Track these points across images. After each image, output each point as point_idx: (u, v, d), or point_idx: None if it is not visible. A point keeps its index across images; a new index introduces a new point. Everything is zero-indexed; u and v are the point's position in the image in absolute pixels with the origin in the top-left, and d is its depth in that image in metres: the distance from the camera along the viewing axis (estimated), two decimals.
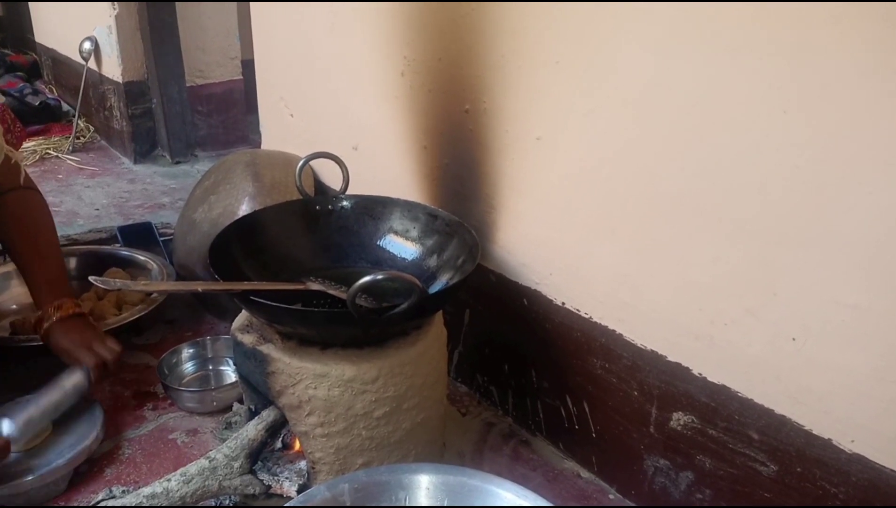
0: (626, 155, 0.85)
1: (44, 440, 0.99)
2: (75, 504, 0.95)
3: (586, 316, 0.96)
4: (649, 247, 0.85)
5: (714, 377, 0.82)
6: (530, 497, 0.79)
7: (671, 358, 0.86)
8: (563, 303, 0.99)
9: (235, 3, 2.41)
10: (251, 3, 1.58)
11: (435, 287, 0.97)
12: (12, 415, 0.96)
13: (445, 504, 0.81)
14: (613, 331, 0.93)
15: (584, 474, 1.03)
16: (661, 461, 0.91)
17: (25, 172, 1.20)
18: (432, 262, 1.02)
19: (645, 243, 0.86)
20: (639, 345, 0.90)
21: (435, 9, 1.06)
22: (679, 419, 0.87)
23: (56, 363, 1.09)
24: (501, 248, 1.07)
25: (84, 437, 1.00)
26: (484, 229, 1.08)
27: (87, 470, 1.01)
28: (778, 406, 0.77)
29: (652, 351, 0.89)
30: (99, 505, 0.87)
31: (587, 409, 1.00)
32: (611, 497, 0.99)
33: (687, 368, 0.85)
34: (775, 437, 0.77)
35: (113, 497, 0.89)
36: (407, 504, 0.81)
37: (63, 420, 1.03)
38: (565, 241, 0.96)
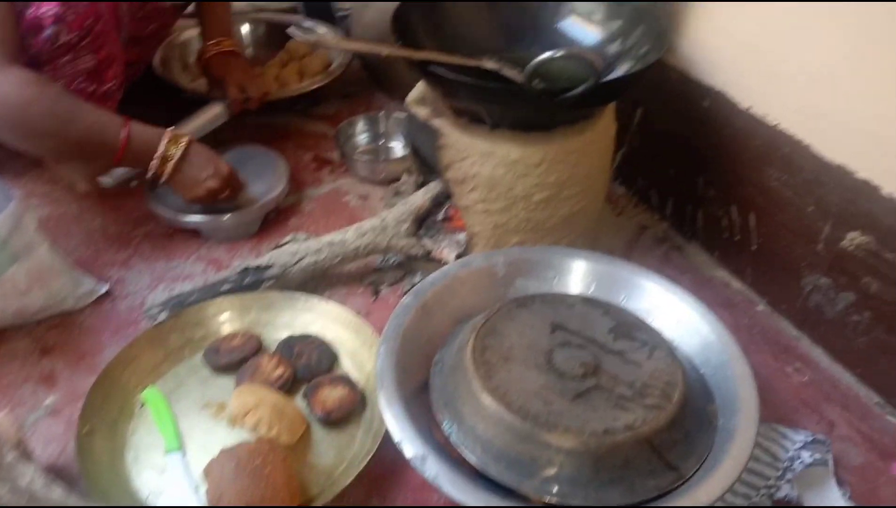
0: None
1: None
2: (265, 244, 1.10)
3: (773, 123, 0.90)
4: (870, 46, 0.75)
5: None
6: (678, 293, 0.81)
7: (860, 175, 0.80)
8: (749, 108, 0.92)
9: None
10: None
11: (612, 76, 0.93)
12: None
13: (593, 289, 0.85)
14: (800, 141, 0.86)
15: (735, 284, 1.03)
16: (822, 279, 0.88)
17: None
18: (613, 49, 0.97)
19: (865, 40, 0.76)
20: (826, 159, 0.84)
21: None
22: (854, 238, 0.82)
23: (249, 118, 1.23)
24: (689, 41, 0.99)
25: (273, 188, 1.12)
26: (673, 17, 1.00)
27: (275, 218, 1.15)
28: None
29: (839, 166, 0.82)
30: (286, 243, 1.01)
31: (752, 221, 0.96)
32: (759, 308, 0.99)
33: (876, 186, 0.79)
34: None
35: (297, 241, 1.01)
36: (556, 283, 0.86)
37: (256, 171, 1.15)
38: (764, 37, 0.87)
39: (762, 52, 0.89)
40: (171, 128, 1.01)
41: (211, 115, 1.17)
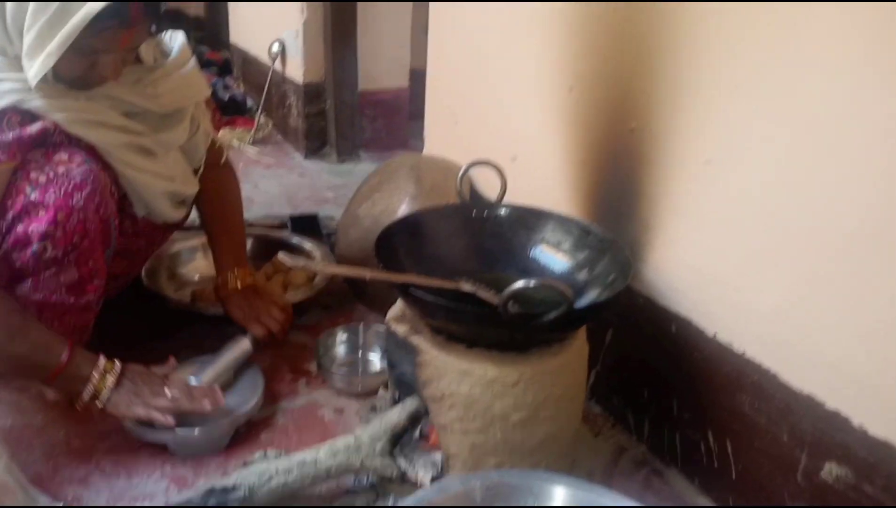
0: (803, 184, 0.81)
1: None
2: (233, 461, 1.06)
3: (739, 351, 0.93)
4: (818, 283, 0.81)
5: (876, 429, 0.77)
6: None
7: (829, 405, 0.82)
8: (715, 335, 0.96)
9: (411, 14, 2.54)
10: (430, 17, 1.67)
11: (583, 302, 0.98)
12: (199, 376, 1.10)
13: None
14: (767, 370, 0.89)
15: None
16: None
17: (227, 155, 1.36)
18: (582, 276, 1.03)
19: (813, 278, 0.82)
20: (794, 388, 0.86)
21: (612, 24, 1.07)
22: (831, 470, 0.82)
23: (226, 329, 1.25)
24: (654, 270, 1.06)
25: (247, 401, 1.11)
26: (637, 248, 1.07)
27: (246, 432, 1.12)
28: None
29: (808, 395, 0.84)
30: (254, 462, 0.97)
31: (729, 447, 0.96)
32: None
33: (846, 418, 0.80)
34: None
35: (267, 459, 0.98)
36: None
37: (229, 384, 1.14)
38: (724, 269, 0.94)
39: (721, 282, 0.95)
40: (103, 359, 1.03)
41: (240, 351, 1.18)
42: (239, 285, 1.26)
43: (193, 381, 1.09)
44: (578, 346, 0.98)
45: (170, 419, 1.01)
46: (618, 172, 1.10)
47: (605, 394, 1.20)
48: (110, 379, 1.00)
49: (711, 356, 0.97)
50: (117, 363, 1.02)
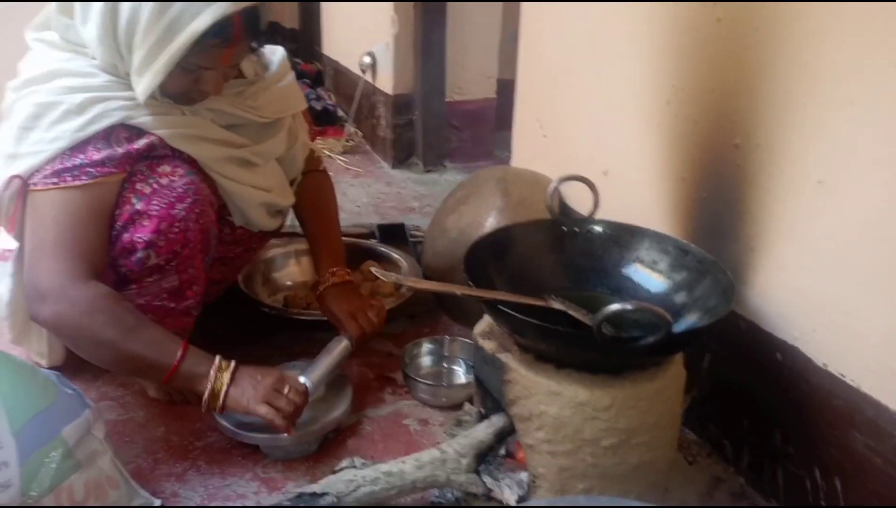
0: None
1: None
2: (321, 466, 1.07)
3: (852, 383, 0.87)
4: None
5: None
6: None
7: None
8: (825, 365, 0.90)
9: (500, 26, 2.54)
10: (521, 28, 1.66)
11: (680, 326, 0.94)
12: (307, 375, 1.11)
13: None
14: (886, 406, 0.83)
15: None
16: None
17: (324, 164, 1.40)
18: (680, 299, 0.99)
19: None
20: None
21: (714, 38, 1.03)
22: None
23: (316, 335, 1.28)
24: (758, 294, 1.01)
25: (336, 408, 1.13)
26: (739, 271, 1.02)
27: (334, 438, 1.14)
28: None
29: None
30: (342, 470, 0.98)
31: (839, 487, 0.90)
32: None
33: None
34: None
35: (354, 467, 0.99)
36: None
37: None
38: (837, 295, 0.88)
39: (834, 309, 0.89)
40: (218, 357, 1.03)
41: (341, 350, 1.18)
42: (335, 282, 1.26)
43: (302, 379, 1.09)
44: (675, 371, 0.94)
45: (291, 430, 1.02)
46: (719, 189, 1.06)
47: (701, 421, 1.15)
48: (226, 376, 1.01)
49: (821, 388, 0.91)
50: (232, 362, 1.03)
